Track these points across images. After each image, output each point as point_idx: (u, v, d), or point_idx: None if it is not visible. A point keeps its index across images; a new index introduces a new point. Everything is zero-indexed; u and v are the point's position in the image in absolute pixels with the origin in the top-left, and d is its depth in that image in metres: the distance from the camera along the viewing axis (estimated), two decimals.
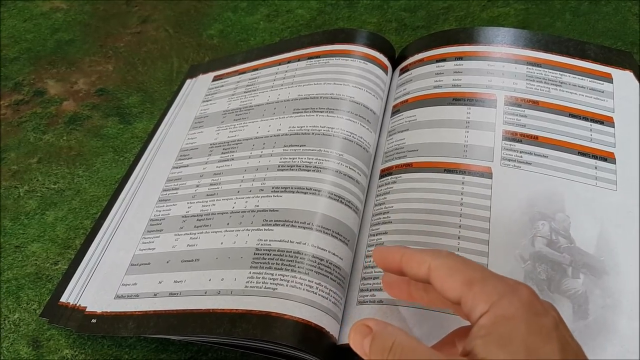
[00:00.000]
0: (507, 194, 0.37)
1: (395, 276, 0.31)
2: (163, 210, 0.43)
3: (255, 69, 0.52)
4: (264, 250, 0.36)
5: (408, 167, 0.40)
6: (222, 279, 0.36)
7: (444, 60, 0.45)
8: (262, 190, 0.40)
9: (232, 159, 0.44)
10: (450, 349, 0.29)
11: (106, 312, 0.37)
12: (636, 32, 0.54)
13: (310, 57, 0.49)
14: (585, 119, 0.41)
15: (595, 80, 0.43)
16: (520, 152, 0.39)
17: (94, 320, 0.37)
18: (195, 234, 0.39)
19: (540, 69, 0.43)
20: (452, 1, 0.61)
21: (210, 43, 0.61)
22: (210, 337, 0.34)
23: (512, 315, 0.23)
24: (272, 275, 0.35)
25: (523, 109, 0.41)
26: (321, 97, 0.45)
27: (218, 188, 0.42)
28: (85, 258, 0.42)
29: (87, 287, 0.40)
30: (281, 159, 0.42)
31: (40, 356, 0.38)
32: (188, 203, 0.42)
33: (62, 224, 0.46)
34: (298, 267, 0.35)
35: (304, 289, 0.34)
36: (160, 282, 0.37)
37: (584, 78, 0.43)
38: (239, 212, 0.39)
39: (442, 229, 0.36)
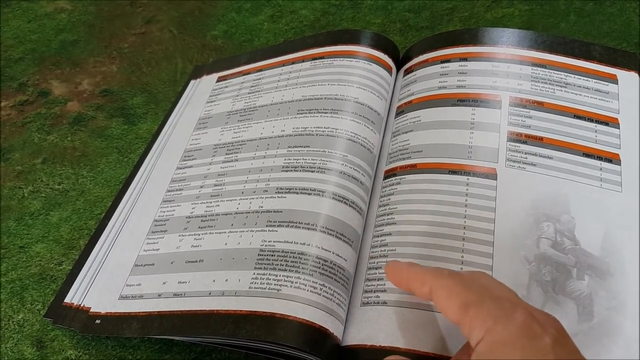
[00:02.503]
0: (512, 195, 0.37)
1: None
2: (167, 211, 0.43)
3: (259, 69, 0.52)
4: (268, 251, 0.36)
5: (412, 168, 0.40)
6: (226, 280, 0.36)
7: (448, 61, 0.45)
8: (266, 191, 0.40)
9: (236, 160, 0.44)
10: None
11: (110, 312, 0.37)
12: None
13: (314, 58, 0.49)
14: (590, 120, 0.40)
15: (600, 82, 0.43)
16: (525, 153, 0.39)
17: (98, 321, 0.37)
18: (199, 234, 0.39)
19: (545, 69, 0.43)
20: (457, 2, 0.60)
21: (214, 44, 0.61)
22: (214, 338, 0.34)
23: (507, 341, 0.23)
24: (276, 276, 0.35)
25: (528, 110, 0.41)
26: (325, 98, 0.45)
27: (222, 189, 0.42)
28: (89, 258, 0.42)
29: (91, 288, 0.40)
30: (285, 159, 0.41)
31: (44, 357, 0.38)
32: (192, 204, 0.42)
33: (66, 225, 0.46)
34: (302, 268, 0.35)
35: (308, 290, 0.34)
36: (164, 283, 0.37)
37: (589, 79, 0.43)
38: (243, 213, 0.39)
39: (446, 231, 0.36)
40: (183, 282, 0.37)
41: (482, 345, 0.24)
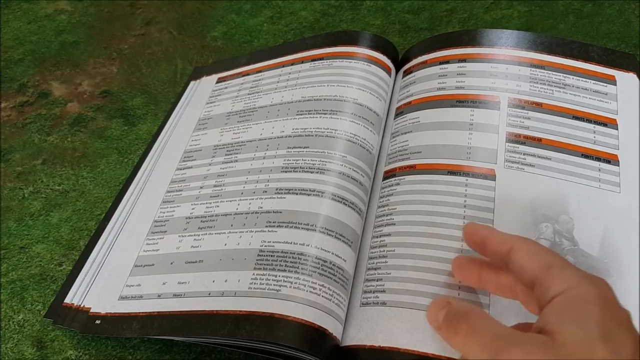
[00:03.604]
0: (511, 196, 0.37)
1: (466, 259, 0.32)
2: (167, 212, 0.43)
3: (258, 70, 0.52)
4: (267, 251, 0.36)
5: (411, 169, 0.40)
6: (226, 280, 0.36)
7: (447, 62, 0.45)
8: (266, 191, 0.40)
9: (236, 161, 0.44)
10: None
11: (110, 313, 0.37)
12: (639, 34, 0.54)
13: (313, 59, 0.49)
14: (589, 121, 0.40)
15: (598, 83, 0.43)
16: (524, 154, 0.39)
17: (98, 321, 0.37)
18: (199, 235, 0.39)
19: (543, 71, 0.43)
20: (456, 3, 0.61)
21: (214, 45, 0.61)
22: (213, 338, 0.34)
23: (588, 298, 0.23)
24: (276, 276, 0.35)
25: (526, 111, 0.41)
26: (324, 99, 0.45)
27: (222, 189, 0.42)
28: (89, 259, 0.42)
29: (91, 288, 0.40)
30: (285, 160, 0.42)
31: (44, 357, 0.38)
32: (192, 204, 0.42)
33: (66, 225, 0.46)
34: (301, 269, 0.35)
35: (307, 291, 0.34)
36: (164, 284, 0.37)
37: (587, 80, 0.43)
38: (242, 213, 0.39)
39: (445, 231, 0.36)
40: (183, 283, 0.37)
41: (561, 297, 0.24)
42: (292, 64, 0.50)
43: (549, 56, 0.44)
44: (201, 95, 0.53)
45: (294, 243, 0.36)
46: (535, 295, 0.25)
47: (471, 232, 0.31)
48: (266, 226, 0.38)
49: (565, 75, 0.43)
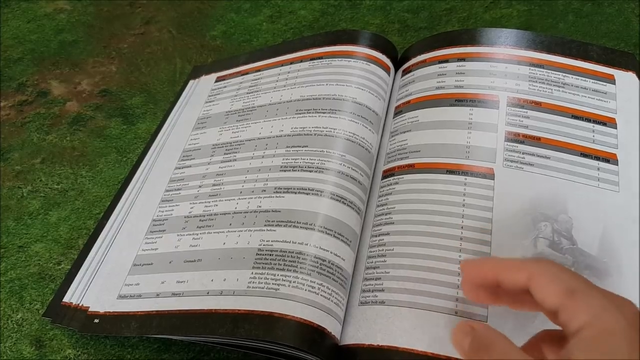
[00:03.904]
0: (510, 195, 0.37)
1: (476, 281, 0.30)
2: (166, 211, 0.43)
3: (258, 70, 0.52)
4: (266, 250, 0.36)
5: (410, 168, 0.40)
6: (225, 279, 0.36)
7: (446, 61, 0.45)
8: (265, 190, 0.40)
9: (235, 160, 0.44)
10: (537, 355, 0.28)
11: (109, 312, 0.37)
12: (638, 33, 0.54)
13: (312, 58, 0.49)
14: (588, 120, 0.40)
15: (597, 82, 0.43)
16: (523, 153, 0.39)
17: (96, 320, 0.37)
18: (197, 234, 0.39)
19: (542, 70, 0.43)
20: (455, 2, 0.61)
21: (213, 44, 0.61)
22: (212, 338, 0.34)
23: (615, 330, 0.23)
24: (274, 275, 0.35)
25: (525, 110, 0.41)
26: (323, 98, 0.45)
27: (220, 189, 0.42)
28: (88, 258, 0.42)
29: (90, 287, 0.40)
30: (283, 159, 0.42)
31: (43, 356, 0.38)
32: (191, 203, 0.42)
33: (65, 224, 0.46)
34: (300, 268, 0.35)
35: (306, 290, 0.34)
36: (162, 283, 0.37)
37: (586, 79, 0.43)
38: (241, 212, 0.39)
39: (444, 230, 0.36)
40: (181, 282, 0.37)
41: (587, 330, 0.23)
42: (291, 63, 0.50)
43: (549, 55, 0.44)
44: (200, 94, 0.53)
45: (293, 242, 0.36)
46: (559, 322, 0.25)
47: (476, 271, 0.29)
48: (265, 225, 0.38)
49: (564, 74, 0.43)
